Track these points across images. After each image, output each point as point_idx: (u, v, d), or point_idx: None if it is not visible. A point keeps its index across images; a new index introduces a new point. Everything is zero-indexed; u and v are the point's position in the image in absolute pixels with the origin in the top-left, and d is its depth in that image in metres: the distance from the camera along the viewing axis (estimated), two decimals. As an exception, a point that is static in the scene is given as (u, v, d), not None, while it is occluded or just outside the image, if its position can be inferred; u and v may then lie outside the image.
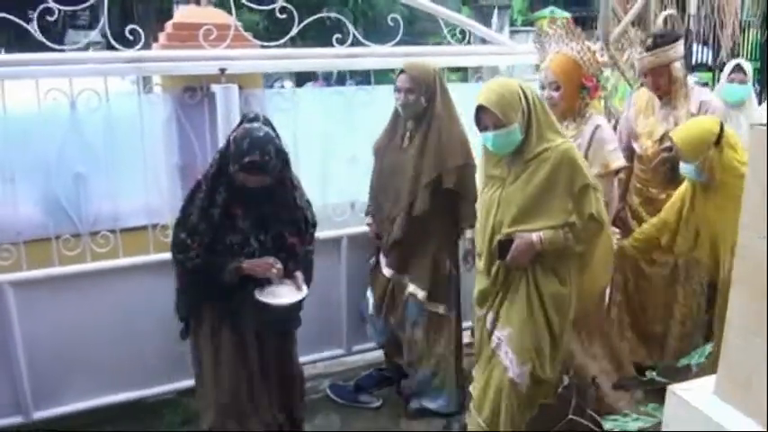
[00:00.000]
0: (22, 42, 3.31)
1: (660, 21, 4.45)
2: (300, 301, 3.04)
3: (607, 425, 2.28)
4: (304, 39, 3.58)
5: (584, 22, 13.00)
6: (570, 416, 2.45)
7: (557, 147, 2.75)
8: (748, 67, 4.94)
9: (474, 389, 3.11)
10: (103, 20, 3.29)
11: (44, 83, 3.29)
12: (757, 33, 10.58)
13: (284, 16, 3.52)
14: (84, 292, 3.49)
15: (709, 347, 2.28)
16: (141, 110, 3.43)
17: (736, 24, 6.17)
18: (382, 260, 3.70)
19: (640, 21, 4.61)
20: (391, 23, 3.85)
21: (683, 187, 3.43)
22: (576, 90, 3.24)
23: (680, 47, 3.68)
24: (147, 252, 3.57)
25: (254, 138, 2.75)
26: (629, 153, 3.84)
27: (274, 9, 3.55)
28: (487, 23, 5.34)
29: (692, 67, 12.84)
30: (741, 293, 1.66)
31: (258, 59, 3.66)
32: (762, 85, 9.85)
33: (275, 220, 2.95)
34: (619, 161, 3.23)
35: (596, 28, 4.95)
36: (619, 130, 3.87)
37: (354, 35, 3.72)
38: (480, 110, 2.75)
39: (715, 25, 6.25)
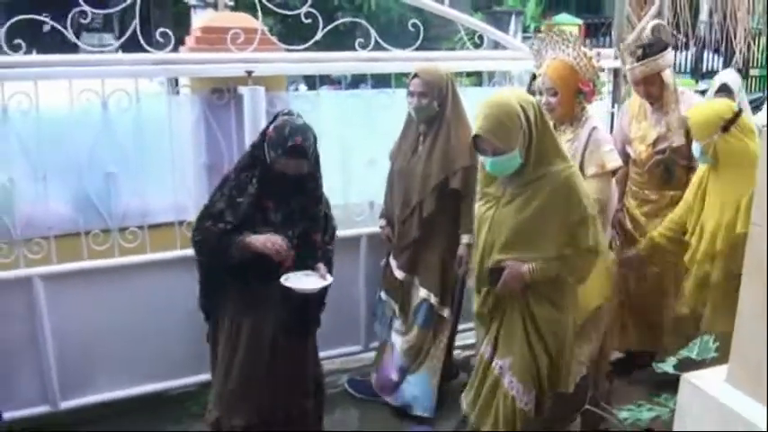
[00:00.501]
0: (42, 43, 3.42)
1: (649, 30, 4.46)
2: (322, 299, 3.08)
3: (622, 414, 2.38)
4: (318, 43, 3.69)
5: (597, 28, 13.15)
6: (587, 406, 2.53)
7: (558, 172, 2.70)
8: (734, 82, 4.95)
9: (472, 404, 3.05)
10: (135, 23, 3.40)
11: (77, 83, 3.41)
12: (766, 42, 10.64)
13: (309, 21, 3.63)
14: (112, 286, 3.60)
15: (711, 342, 2.35)
16: (170, 110, 3.55)
17: (747, 32, 6.24)
18: (392, 262, 3.79)
19: (662, 26, 4.69)
20: (412, 29, 3.95)
21: (702, 170, 3.43)
22: (573, 95, 3.29)
23: (669, 55, 3.76)
24: (173, 248, 3.68)
25: (296, 125, 2.87)
26: (625, 158, 3.90)
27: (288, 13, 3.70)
28: (502, 29, 5.41)
29: (702, 74, 12.97)
30: (752, 285, 1.76)
31: (283, 62, 3.77)
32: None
33: (302, 216, 2.99)
34: (615, 162, 3.26)
35: (607, 34, 5.07)
36: (613, 137, 3.92)
37: (376, 39, 3.82)
38: (478, 137, 2.69)
39: (726, 32, 6.31)
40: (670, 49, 3.83)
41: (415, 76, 3.55)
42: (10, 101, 3.33)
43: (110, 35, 17.16)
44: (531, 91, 3.60)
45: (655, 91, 3.75)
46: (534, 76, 3.67)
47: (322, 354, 4.14)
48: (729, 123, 3.20)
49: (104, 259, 3.59)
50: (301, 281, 2.95)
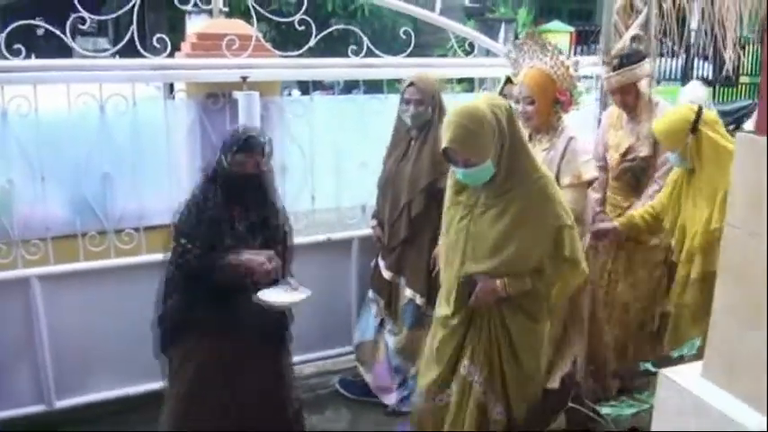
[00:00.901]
0: (38, 47, 3.49)
1: (627, 40, 4.50)
2: (290, 312, 3.07)
3: (604, 410, 2.46)
4: (311, 49, 3.77)
5: (588, 35, 13.26)
6: (570, 404, 2.61)
7: (532, 181, 2.64)
8: (699, 97, 5.07)
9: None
10: (132, 28, 3.47)
11: (75, 87, 3.48)
12: (756, 49, 10.76)
13: (302, 27, 3.72)
14: (108, 287, 3.67)
15: (698, 341, 2.43)
16: (166, 114, 3.62)
17: (736, 40, 6.33)
18: (381, 263, 3.86)
19: (640, 36, 4.78)
20: (403, 36, 4.03)
21: (678, 171, 3.44)
22: (550, 104, 3.26)
23: (646, 66, 3.79)
24: (168, 249, 3.73)
25: (247, 126, 3.02)
26: (605, 164, 3.96)
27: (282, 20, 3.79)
28: (494, 36, 5.51)
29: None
30: (726, 284, 1.83)
31: (278, 68, 3.85)
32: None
33: (264, 226, 2.99)
34: (591, 173, 3.24)
35: (597, 42, 5.15)
36: (595, 143, 3.97)
37: (368, 46, 3.90)
38: (449, 148, 2.59)
39: (715, 40, 6.40)
40: (648, 59, 3.88)
41: (411, 84, 3.62)
42: (9, 104, 3.39)
43: (104, 39, 17.22)
44: (503, 94, 3.68)
45: (630, 100, 3.78)
46: (508, 79, 3.70)
47: (313, 354, 4.22)
48: (695, 123, 3.22)
49: (101, 260, 3.65)
50: (279, 295, 2.91)
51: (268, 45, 3.91)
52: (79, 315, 3.64)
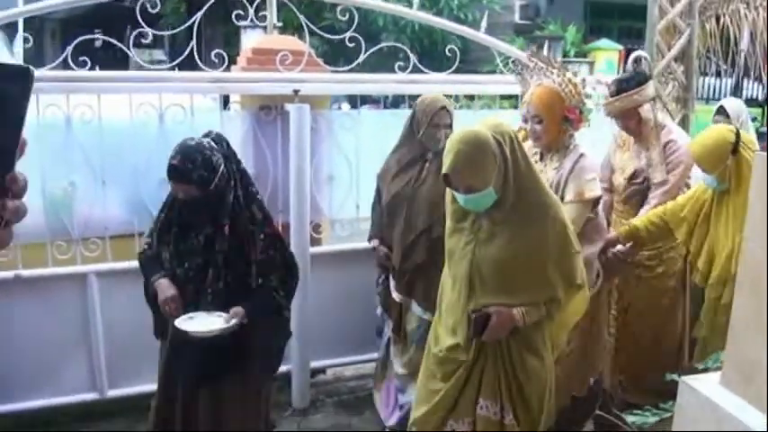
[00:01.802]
0: (96, 58, 3.72)
1: (630, 62, 4.45)
2: (245, 347, 2.86)
3: (630, 419, 2.54)
4: (361, 64, 3.93)
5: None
6: (597, 411, 2.70)
7: (543, 207, 2.56)
8: (735, 107, 4.74)
9: None
10: (192, 44, 3.69)
11: (136, 97, 3.70)
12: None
13: (353, 45, 3.89)
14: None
15: (722, 354, 2.50)
16: (222, 124, 3.82)
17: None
18: (392, 283, 3.72)
19: (683, 56, 4.85)
20: (449, 54, 4.17)
21: (704, 188, 3.41)
22: (559, 122, 3.19)
23: (647, 89, 3.68)
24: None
25: (182, 145, 2.75)
26: (609, 186, 3.91)
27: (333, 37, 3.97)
28: (543, 54, 5.61)
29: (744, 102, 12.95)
30: (745, 296, 1.93)
31: (327, 83, 4.03)
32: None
33: (222, 243, 2.81)
34: (594, 191, 3.17)
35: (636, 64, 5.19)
36: (602, 163, 3.90)
37: (415, 63, 4.06)
38: (449, 174, 2.50)
39: (756, 60, 6.39)
40: (651, 82, 3.78)
41: (443, 108, 3.52)
42: (74, 112, 3.62)
43: (160, 51, 17.75)
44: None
45: (633, 125, 3.71)
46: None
47: (350, 358, 4.35)
48: (736, 145, 3.19)
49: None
50: (202, 322, 2.78)
51: (319, 60, 4.09)
52: (132, 310, 3.80)
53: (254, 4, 3.88)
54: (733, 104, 4.79)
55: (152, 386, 3.89)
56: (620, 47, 13.19)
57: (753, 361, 1.90)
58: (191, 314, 2.81)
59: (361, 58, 3.91)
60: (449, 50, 4.19)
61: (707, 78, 10.87)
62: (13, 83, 0.79)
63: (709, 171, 3.26)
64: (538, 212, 2.54)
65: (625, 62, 12.18)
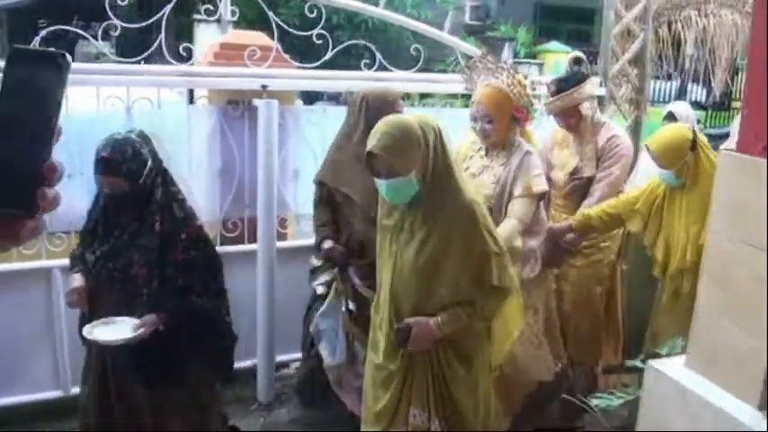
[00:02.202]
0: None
1: (569, 63, 4.61)
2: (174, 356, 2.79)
3: (594, 402, 2.67)
4: (312, 60, 3.98)
5: (587, 57, 13.57)
6: (563, 395, 2.82)
7: (458, 203, 2.53)
8: (683, 112, 4.85)
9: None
10: (160, 37, 3.70)
11: (104, 90, 3.69)
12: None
13: (320, 42, 3.95)
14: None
15: (680, 341, 2.62)
16: (189, 118, 3.83)
17: (728, 66, 6.60)
18: (357, 281, 3.64)
19: (637, 60, 5.03)
20: (414, 52, 4.26)
21: (657, 183, 3.54)
22: (508, 122, 3.27)
23: (586, 87, 3.79)
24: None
25: (111, 138, 2.71)
26: (548, 181, 3.91)
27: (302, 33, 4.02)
28: (496, 54, 5.73)
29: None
30: (709, 285, 2.06)
31: (295, 79, 4.07)
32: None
33: (151, 240, 2.76)
34: (541, 186, 3.26)
35: (594, 63, 5.37)
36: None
37: (381, 61, 4.13)
38: (371, 155, 2.50)
39: (707, 66, 6.66)
40: (589, 81, 3.87)
41: (400, 99, 3.58)
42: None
43: (106, 44, 17.48)
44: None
45: (573, 123, 3.82)
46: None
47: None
48: (694, 142, 3.34)
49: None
50: (115, 329, 2.71)
51: (286, 57, 4.13)
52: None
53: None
54: (681, 109, 4.96)
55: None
56: (569, 49, 13.47)
57: (716, 344, 2.03)
58: (106, 319, 2.73)
59: (329, 54, 3.96)
60: (414, 49, 4.27)
61: (658, 82, 11.22)
62: (48, 69, 0.79)
63: (667, 167, 3.37)
64: (453, 212, 2.52)
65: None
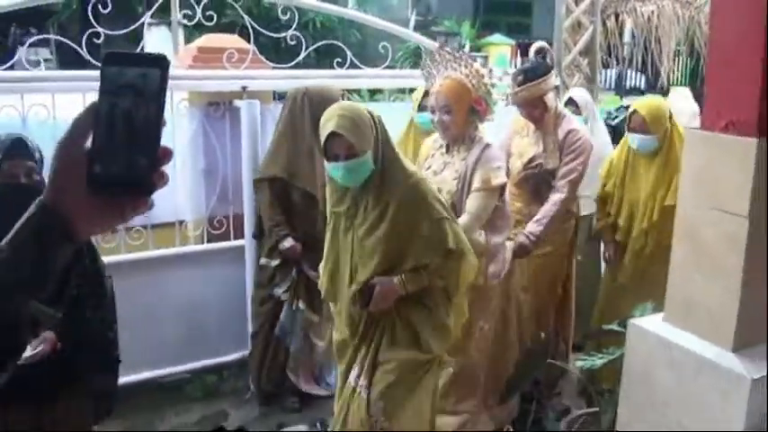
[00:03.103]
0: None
1: (532, 53, 4.71)
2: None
3: (578, 363, 2.93)
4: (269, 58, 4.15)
5: (527, 48, 14.00)
6: (549, 360, 3.07)
7: (405, 181, 2.65)
8: (583, 98, 4.83)
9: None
10: (142, 44, 3.82)
11: (90, 96, 3.78)
12: (687, 61, 11.58)
13: (293, 42, 4.13)
14: (119, 280, 3.94)
15: (648, 304, 2.89)
16: (172, 120, 3.96)
17: (668, 53, 7.00)
18: (312, 274, 3.67)
19: (587, 51, 5.35)
20: (381, 51, 4.48)
21: (616, 163, 3.90)
22: (467, 113, 3.23)
23: (550, 79, 3.79)
24: (172, 245, 4.09)
25: (13, 133, 2.68)
26: (507, 172, 4.00)
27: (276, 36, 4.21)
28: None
29: (626, 91, 13.99)
30: (682, 246, 2.33)
31: (273, 80, 4.24)
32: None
33: None
34: (500, 179, 3.24)
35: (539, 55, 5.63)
36: (500, 147, 3.97)
37: (352, 60, 4.32)
38: (331, 138, 2.58)
39: (650, 53, 7.04)
40: (553, 72, 3.89)
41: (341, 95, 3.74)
42: (28, 112, 3.67)
43: (45, 50, 17.17)
44: (423, 107, 3.84)
45: (537, 114, 3.79)
46: (426, 93, 3.66)
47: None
48: (670, 113, 3.73)
49: (112, 255, 3.94)
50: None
51: (262, 58, 4.29)
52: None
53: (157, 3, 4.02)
54: (580, 95, 4.88)
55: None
56: (512, 41, 13.89)
57: (691, 298, 2.30)
58: None
59: (302, 55, 4.16)
60: (382, 47, 4.48)
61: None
62: (154, 67, 0.88)
63: (653, 132, 3.68)
64: (402, 188, 2.63)
65: (519, 55, 12.89)
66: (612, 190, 3.93)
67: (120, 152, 0.86)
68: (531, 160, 3.85)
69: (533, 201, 3.85)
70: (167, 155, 0.90)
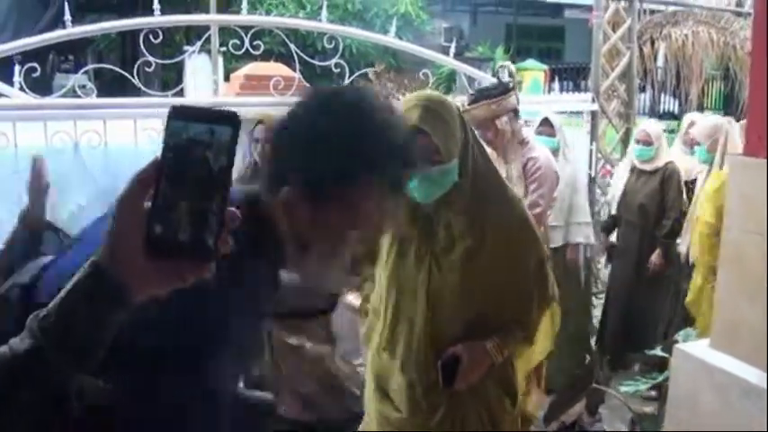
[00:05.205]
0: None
1: (492, 73, 4.76)
2: None
3: (623, 388, 2.96)
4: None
5: (559, 73, 14.06)
6: (593, 385, 3.09)
7: (509, 202, 2.05)
8: (558, 120, 4.59)
9: None
10: (183, 72, 3.95)
11: (141, 122, 3.93)
12: (720, 86, 11.54)
13: (338, 70, 4.25)
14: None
15: (691, 329, 2.94)
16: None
17: (700, 77, 7.01)
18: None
19: (624, 76, 5.39)
20: (422, 77, 4.58)
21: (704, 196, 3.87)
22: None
23: (507, 101, 3.43)
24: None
25: None
26: None
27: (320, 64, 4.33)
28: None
29: (659, 115, 13.92)
30: (729, 271, 2.36)
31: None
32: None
33: None
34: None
35: (567, 78, 5.71)
36: None
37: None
38: (419, 132, 1.82)
39: (680, 77, 7.06)
40: (512, 93, 3.50)
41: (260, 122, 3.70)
42: (81, 138, 3.81)
43: (83, 76, 17.63)
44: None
45: (490, 136, 3.42)
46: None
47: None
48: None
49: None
50: None
51: (307, 84, 4.40)
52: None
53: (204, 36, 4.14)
54: (554, 116, 4.63)
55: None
56: (545, 66, 13.93)
57: (737, 323, 2.32)
58: None
59: (347, 80, 4.27)
60: (422, 74, 4.59)
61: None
62: (225, 125, 0.81)
63: (714, 145, 3.89)
64: (504, 209, 2.01)
65: (551, 81, 12.92)
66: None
67: (184, 213, 0.79)
68: None
69: None
70: (235, 219, 0.82)
